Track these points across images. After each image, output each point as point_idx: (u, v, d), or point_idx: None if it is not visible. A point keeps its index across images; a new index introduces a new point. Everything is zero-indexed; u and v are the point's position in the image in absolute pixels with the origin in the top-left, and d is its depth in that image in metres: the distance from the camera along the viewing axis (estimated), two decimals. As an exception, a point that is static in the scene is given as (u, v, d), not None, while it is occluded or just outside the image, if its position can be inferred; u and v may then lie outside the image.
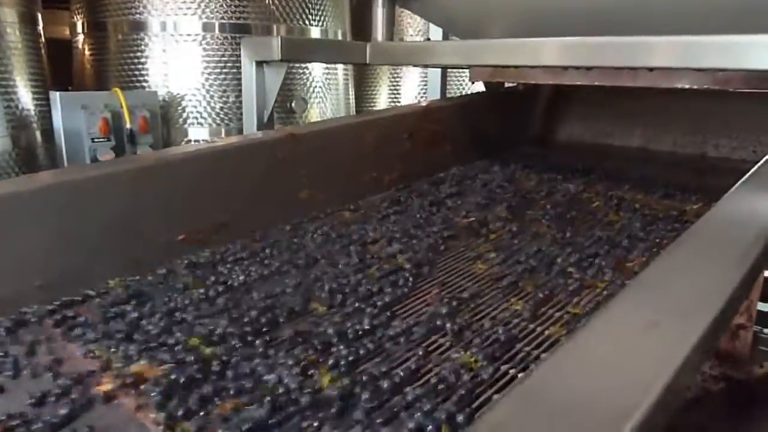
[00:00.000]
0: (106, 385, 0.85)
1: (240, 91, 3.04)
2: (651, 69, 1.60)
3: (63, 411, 0.79)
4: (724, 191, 1.72)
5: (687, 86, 1.60)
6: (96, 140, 2.82)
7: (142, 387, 0.84)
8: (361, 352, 0.93)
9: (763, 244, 0.69)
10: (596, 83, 1.78)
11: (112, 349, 0.94)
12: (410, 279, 1.21)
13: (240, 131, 2.98)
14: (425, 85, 4.18)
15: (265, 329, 1.01)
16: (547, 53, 1.71)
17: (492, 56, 1.84)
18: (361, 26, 4.24)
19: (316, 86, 3.44)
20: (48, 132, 2.96)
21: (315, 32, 3.42)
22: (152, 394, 0.82)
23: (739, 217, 0.79)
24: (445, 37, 2.77)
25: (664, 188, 1.86)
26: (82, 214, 1.15)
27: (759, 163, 1.03)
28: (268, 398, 0.80)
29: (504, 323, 1.03)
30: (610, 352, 0.48)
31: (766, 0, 1.49)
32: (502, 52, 1.80)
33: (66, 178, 1.17)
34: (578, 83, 1.83)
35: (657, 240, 1.44)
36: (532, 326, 1.03)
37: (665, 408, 0.43)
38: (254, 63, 1.89)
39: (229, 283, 1.18)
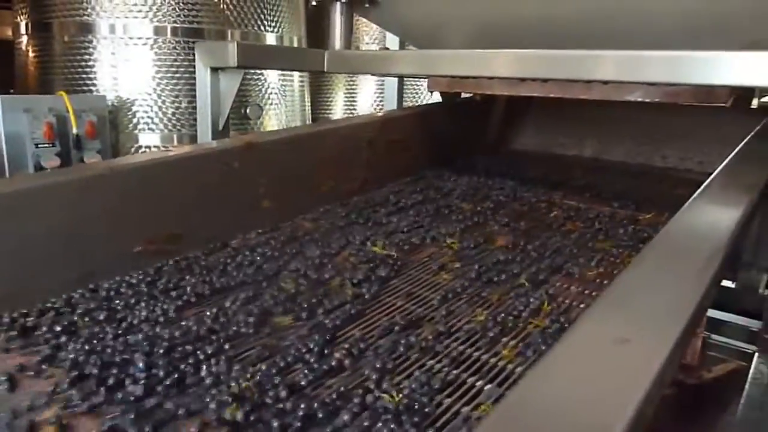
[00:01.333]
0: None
1: (193, 96, 2.98)
2: (605, 82, 1.64)
3: None
4: (674, 200, 1.79)
5: (639, 99, 1.65)
6: (40, 146, 2.71)
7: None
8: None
9: (722, 256, 0.70)
10: (551, 95, 1.82)
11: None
12: (372, 289, 1.20)
13: (193, 137, 2.91)
14: (382, 93, 4.20)
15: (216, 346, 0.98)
16: (503, 65, 1.74)
17: (449, 67, 1.85)
18: (316, 34, 4.22)
19: (271, 93, 3.39)
20: (-12, 137, 2.82)
21: (270, 38, 3.38)
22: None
23: (696, 229, 0.81)
24: (402, 46, 2.78)
25: (617, 198, 1.91)
26: (26, 227, 1.09)
27: (710, 177, 1.07)
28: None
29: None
30: (583, 371, 0.48)
31: (712, 19, 1.56)
32: (459, 62, 1.82)
33: (8, 189, 1.10)
34: (534, 95, 1.86)
35: (614, 249, 1.47)
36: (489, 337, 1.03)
37: (641, 422, 0.43)
38: (209, 69, 1.85)
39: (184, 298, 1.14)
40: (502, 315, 1.11)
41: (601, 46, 1.59)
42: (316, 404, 0.80)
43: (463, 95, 2.46)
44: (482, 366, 0.94)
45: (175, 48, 3.03)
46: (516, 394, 0.45)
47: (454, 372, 0.91)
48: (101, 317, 1.04)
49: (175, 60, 3.03)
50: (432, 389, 0.85)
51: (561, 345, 0.51)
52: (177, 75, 3.04)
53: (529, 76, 1.73)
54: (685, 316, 0.56)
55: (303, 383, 0.87)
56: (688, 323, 0.55)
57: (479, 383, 0.88)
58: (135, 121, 3.07)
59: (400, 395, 0.80)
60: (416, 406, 0.78)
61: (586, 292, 1.24)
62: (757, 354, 1.60)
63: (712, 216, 0.86)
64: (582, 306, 1.18)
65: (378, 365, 0.90)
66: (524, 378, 0.47)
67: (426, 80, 2.21)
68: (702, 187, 1.00)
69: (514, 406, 0.44)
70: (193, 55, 2.97)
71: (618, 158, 2.44)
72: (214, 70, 1.86)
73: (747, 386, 1.53)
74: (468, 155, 2.39)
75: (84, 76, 3.06)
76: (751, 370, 1.57)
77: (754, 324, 2.03)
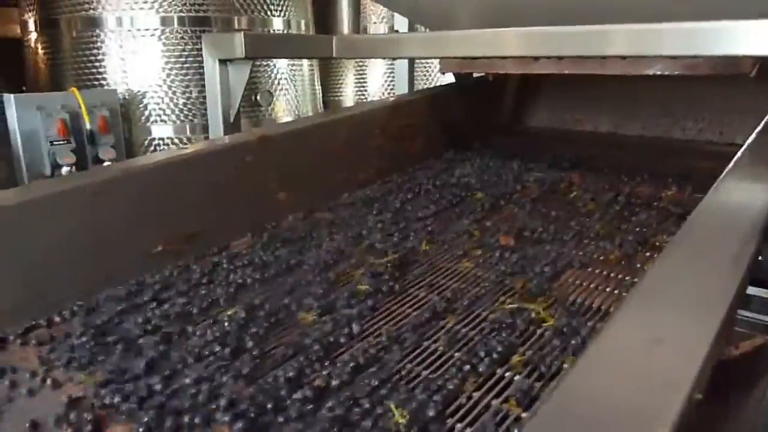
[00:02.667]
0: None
1: (203, 85, 2.97)
2: (622, 57, 1.59)
3: None
4: (695, 174, 1.75)
5: (658, 73, 1.60)
6: (55, 143, 2.72)
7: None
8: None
9: (757, 240, 0.68)
10: (566, 72, 1.77)
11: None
12: (397, 279, 1.19)
13: (205, 127, 2.90)
14: (392, 75, 4.15)
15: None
16: (516, 43, 1.70)
17: (460, 47, 1.81)
18: (324, 16, 4.18)
19: (281, 79, 3.37)
20: (3, 136, 2.84)
21: (277, 23, 3.34)
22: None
23: (729, 210, 0.78)
24: (411, 27, 2.73)
25: (636, 174, 1.87)
26: (46, 233, 1.09)
27: (739, 152, 1.03)
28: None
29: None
30: (620, 377, 0.46)
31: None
32: (471, 43, 1.78)
33: (28, 197, 1.10)
34: (548, 72, 1.82)
35: (638, 230, 1.44)
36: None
37: (683, 427, 0.42)
38: (217, 61, 1.83)
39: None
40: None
41: (616, 21, 1.54)
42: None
43: (476, 75, 2.42)
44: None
45: (182, 38, 3.01)
46: (553, 401, 0.44)
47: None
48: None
49: (183, 50, 3.02)
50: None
51: (595, 347, 0.50)
52: (186, 65, 3.03)
53: (543, 54, 1.69)
54: (722, 310, 0.54)
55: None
56: (726, 317, 0.54)
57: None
58: (147, 113, 3.06)
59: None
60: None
61: (612, 275, 1.22)
62: (785, 328, 1.57)
63: (744, 195, 0.83)
64: (606, 290, 1.16)
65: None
66: (560, 383, 0.46)
67: (437, 61, 2.17)
68: (732, 163, 0.96)
69: (552, 413, 0.43)
70: (201, 43, 2.96)
71: (635, 132, 2.39)
72: (222, 62, 1.84)
73: (776, 362, 1.50)
74: (483, 136, 2.36)
75: (94, 70, 3.06)
76: (780, 346, 1.54)
77: (782, 298, 1.98)
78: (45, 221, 1.08)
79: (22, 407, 0.83)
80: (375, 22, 4.47)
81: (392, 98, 2.03)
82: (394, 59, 2.42)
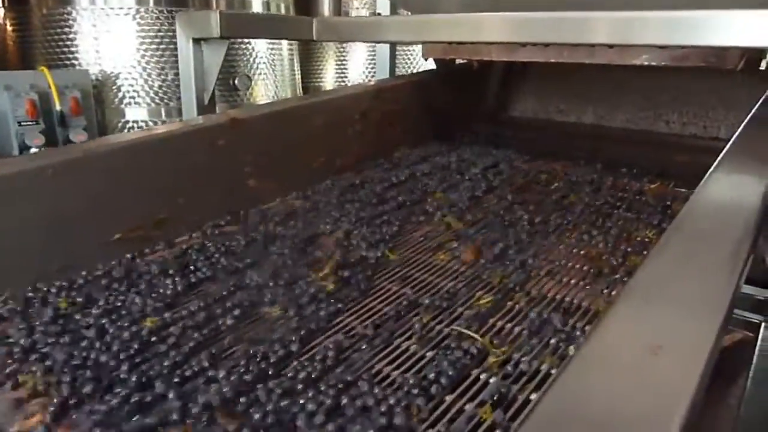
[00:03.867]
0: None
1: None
2: (610, 46, 1.55)
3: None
4: (679, 168, 1.73)
5: (645, 63, 1.57)
6: (23, 123, 2.63)
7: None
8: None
9: (752, 238, 0.64)
10: (552, 60, 1.73)
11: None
12: (370, 270, 1.14)
13: (180, 111, 2.83)
14: (374, 60, 4.09)
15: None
16: (501, 29, 1.65)
17: (444, 32, 1.76)
18: (305, 1, 4.10)
19: (260, 63, 3.29)
20: (-33, 116, 2.73)
21: (256, 5, 3.26)
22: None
23: (721, 206, 0.74)
24: (393, 10, 2.66)
25: (619, 166, 1.84)
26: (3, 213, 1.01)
27: (727, 146, 1.00)
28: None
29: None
30: (618, 377, 0.42)
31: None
32: (455, 27, 1.72)
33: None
34: (534, 60, 1.77)
35: (620, 222, 1.40)
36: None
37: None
38: (191, 40, 1.75)
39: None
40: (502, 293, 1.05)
41: (605, 8, 1.50)
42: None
43: (459, 62, 2.37)
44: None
45: (158, 18, 2.92)
46: (546, 404, 0.39)
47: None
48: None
49: (159, 30, 2.93)
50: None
51: (586, 352, 0.45)
52: (162, 46, 2.94)
53: (529, 40, 1.64)
54: (722, 310, 0.50)
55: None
56: (725, 318, 0.49)
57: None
58: (120, 95, 2.97)
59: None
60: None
61: (592, 270, 1.18)
62: (764, 324, 1.55)
63: (736, 190, 0.79)
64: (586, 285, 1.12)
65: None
66: (552, 385, 0.41)
67: (419, 48, 2.12)
68: (719, 157, 0.93)
69: (546, 416, 0.38)
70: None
71: (619, 124, 2.36)
72: (197, 41, 1.76)
73: (755, 359, 1.48)
74: (466, 124, 2.31)
75: (65, 50, 2.96)
76: (759, 342, 1.53)
77: (761, 293, 1.98)
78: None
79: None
80: (357, 8, 4.39)
81: (374, 83, 1.96)
82: (375, 43, 2.36)
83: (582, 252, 1.25)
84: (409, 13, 2.36)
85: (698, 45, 1.44)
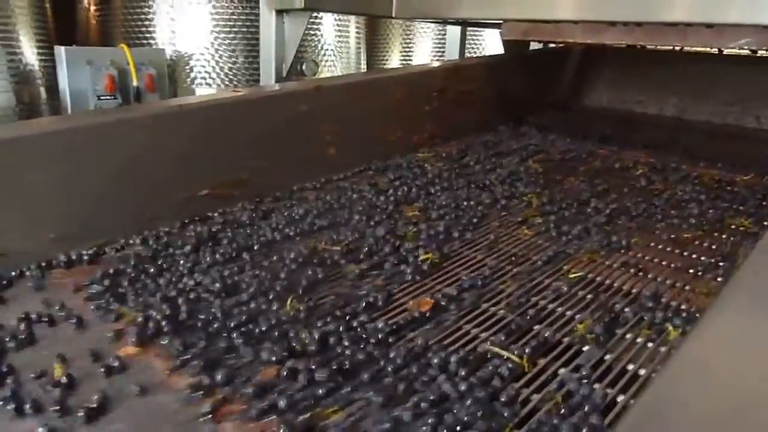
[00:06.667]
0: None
1: (249, 51, 2.93)
2: (709, 26, 1.47)
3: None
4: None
5: (746, 47, 1.48)
6: (102, 98, 2.72)
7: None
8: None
9: None
10: (640, 43, 1.66)
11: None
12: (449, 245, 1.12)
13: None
14: (439, 49, 4.05)
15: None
16: (587, 5, 1.58)
17: (529, 9, 1.70)
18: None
19: (327, 49, 3.31)
20: (52, 88, 2.85)
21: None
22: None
23: None
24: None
25: (707, 159, 1.74)
26: (93, 163, 1.04)
27: None
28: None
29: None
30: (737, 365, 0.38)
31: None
32: (541, 4, 1.67)
33: (76, 123, 1.05)
34: (620, 43, 1.70)
35: (711, 210, 1.33)
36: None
37: None
38: (274, 12, 1.76)
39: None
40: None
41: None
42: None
43: (533, 47, 2.31)
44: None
45: (233, 1, 2.98)
46: (656, 394, 0.37)
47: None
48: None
49: (233, 14, 2.98)
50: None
51: (684, 354, 0.41)
52: (234, 29, 2.99)
53: (617, 18, 1.57)
54: None
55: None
56: None
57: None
58: (192, 75, 3.04)
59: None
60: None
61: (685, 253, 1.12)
62: None
63: None
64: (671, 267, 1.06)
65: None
66: (665, 374, 0.38)
67: (489, 32, 2.07)
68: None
69: (660, 408, 0.35)
70: (251, 7, 2.91)
71: (703, 117, 2.25)
72: (279, 13, 1.77)
73: None
74: (539, 110, 2.25)
75: (143, 29, 3.05)
76: None
77: None
78: (94, 150, 1.03)
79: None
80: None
81: (452, 61, 1.93)
82: (454, 21, 2.30)
83: (673, 236, 1.19)
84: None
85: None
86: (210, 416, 0.64)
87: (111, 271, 0.94)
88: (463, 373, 0.71)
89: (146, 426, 0.63)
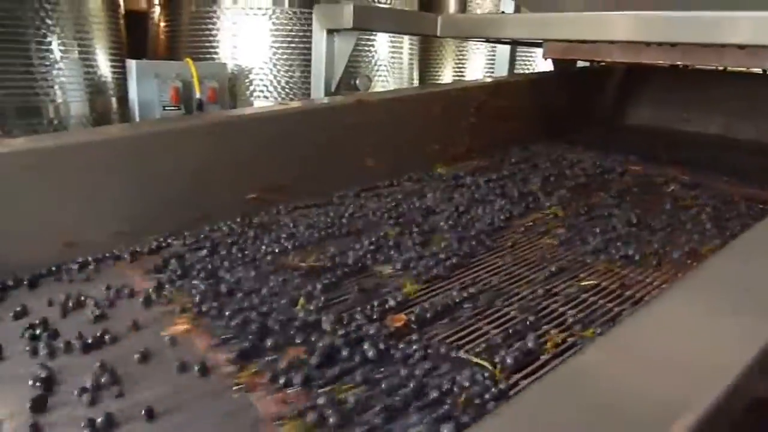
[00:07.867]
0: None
1: (305, 66, 3.07)
2: (741, 47, 1.50)
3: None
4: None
5: (780, 66, 1.50)
6: (167, 108, 2.91)
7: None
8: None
9: None
10: (678, 63, 1.69)
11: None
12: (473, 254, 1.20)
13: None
14: (491, 66, 4.12)
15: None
16: (625, 28, 1.63)
17: (567, 30, 1.77)
18: (429, 3, 4.22)
19: (380, 65, 3.42)
20: (123, 99, 3.07)
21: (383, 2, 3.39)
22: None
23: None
24: (518, 10, 2.69)
25: (755, 180, 1.73)
26: (156, 166, 1.18)
27: None
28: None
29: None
30: (667, 341, 0.44)
31: None
32: (578, 25, 1.73)
33: (143, 130, 1.20)
34: (657, 62, 1.74)
35: (739, 228, 1.35)
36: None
37: (726, 411, 0.39)
38: (325, 31, 1.89)
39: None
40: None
41: (737, 8, 1.45)
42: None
43: (579, 65, 2.35)
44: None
45: (291, 18, 3.13)
46: (580, 360, 0.43)
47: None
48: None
49: (291, 30, 3.13)
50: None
51: (645, 310, 0.47)
52: (292, 45, 3.14)
53: (655, 39, 1.61)
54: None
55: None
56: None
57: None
58: (252, 88, 3.20)
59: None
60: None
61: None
62: None
63: None
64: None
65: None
66: (592, 343, 0.45)
67: (539, 51, 2.13)
68: None
69: (577, 373, 0.42)
70: (308, 24, 3.06)
71: (749, 137, 2.23)
72: (330, 32, 1.90)
73: None
74: (580, 128, 2.29)
75: (207, 44, 3.24)
76: None
77: None
78: (157, 155, 1.17)
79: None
80: (479, 3, 4.47)
81: (492, 78, 2.01)
82: (497, 41, 2.39)
83: (687, 248, 1.22)
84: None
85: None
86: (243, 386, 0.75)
87: (169, 261, 1.08)
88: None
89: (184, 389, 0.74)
